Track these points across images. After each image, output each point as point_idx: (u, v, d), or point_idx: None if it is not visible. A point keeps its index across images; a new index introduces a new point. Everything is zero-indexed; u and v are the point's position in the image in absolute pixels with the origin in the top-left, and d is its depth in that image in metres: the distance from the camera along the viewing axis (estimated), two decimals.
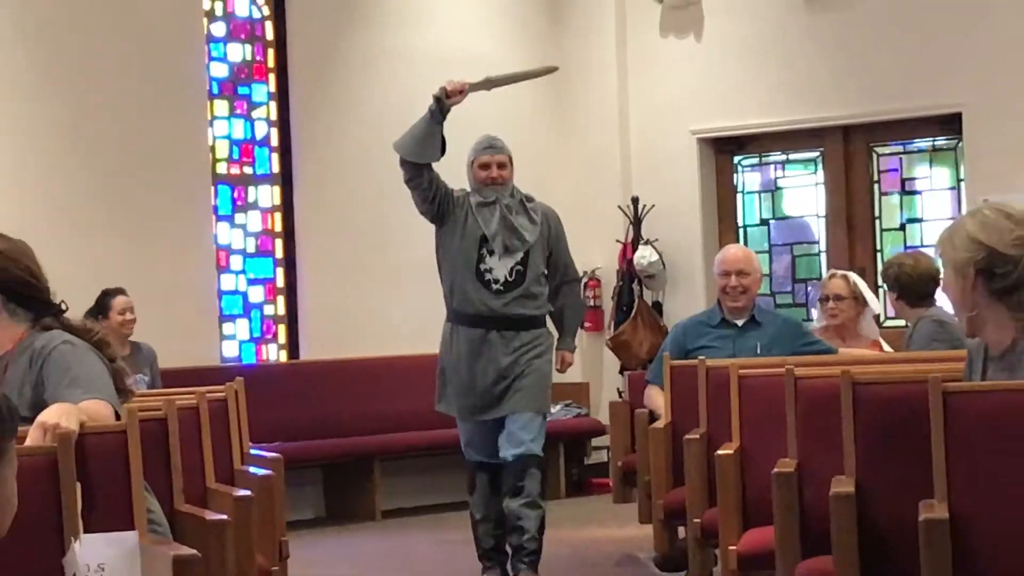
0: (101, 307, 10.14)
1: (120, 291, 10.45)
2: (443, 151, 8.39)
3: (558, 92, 14.00)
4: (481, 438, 8.54)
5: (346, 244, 12.39)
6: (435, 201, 8.31)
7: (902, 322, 9.07)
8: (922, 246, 12.90)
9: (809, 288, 13.19)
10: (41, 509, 3.55)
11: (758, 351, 8.46)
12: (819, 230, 13.72)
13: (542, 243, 8.53)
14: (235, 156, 12.86)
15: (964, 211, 12.84)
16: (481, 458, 8.55)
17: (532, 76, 9.51)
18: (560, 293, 8.76)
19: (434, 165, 8.33)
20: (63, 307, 4.87)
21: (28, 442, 4.06)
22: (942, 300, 7.88)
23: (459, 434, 8.70)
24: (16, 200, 10.16)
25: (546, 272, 8.63)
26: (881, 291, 11.73)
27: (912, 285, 8.38)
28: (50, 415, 4.19)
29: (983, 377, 4.90)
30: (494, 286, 8.32)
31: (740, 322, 8.76)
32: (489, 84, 8.76)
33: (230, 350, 12.80)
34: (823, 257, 13.59)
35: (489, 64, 13.41)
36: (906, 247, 12.92)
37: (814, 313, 10.77)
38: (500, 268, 8.32)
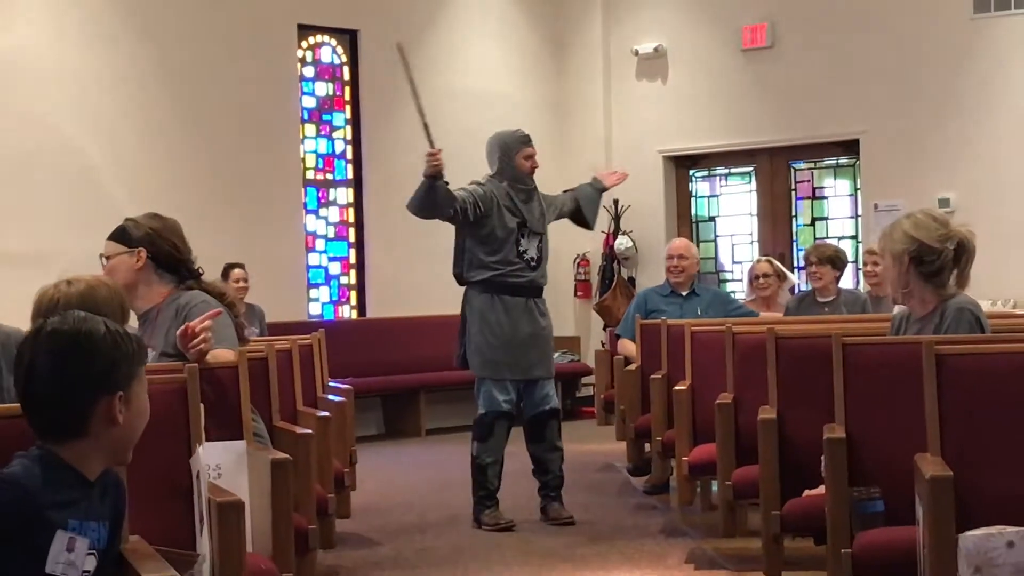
0: (225, 276, 10.15)
1: (239, 265, 10.47)
2: (451, 202, 7.47)
3: (559, 121, 14.07)
4: (507, 394, 7.64)
5: (400, 232, 12.36)
6: (466, 219, 7.56)
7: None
8: (827, 238, 12.93)
9: (743, 267, 13.19)
10: (174, 422, 3.54)
11: (699, 313, 8.63)
12: (751, 225, 13.70)
13: (547, 218, 7.96)
14: (320, 166, 12.85)
15: (860, 213, 12.86)
16: (508, 409, 7.64)
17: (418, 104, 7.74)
18: (569, 199, 8.08)
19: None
20: (200, 272, 4.87)
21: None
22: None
23: (490, 390, 7.63)
24: (166, 201, 10.18)
25: (559, 213, 8.01)
26: (796, 270, 11.73)
27: (841, 264, 8.98)
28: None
29: (901, 334, 4.96)
30: (531, 263, 7.71)
31: (685, 292, 8.96)
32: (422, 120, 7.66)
33: (315, 309, 12.80)
34: (754, 245, 13.58)
35: (506, 98, 13.51)
36: (815, 239, 12.93)
37: (742, 286, 10.77)
38: (531, 248, 7.72)
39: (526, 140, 7.81)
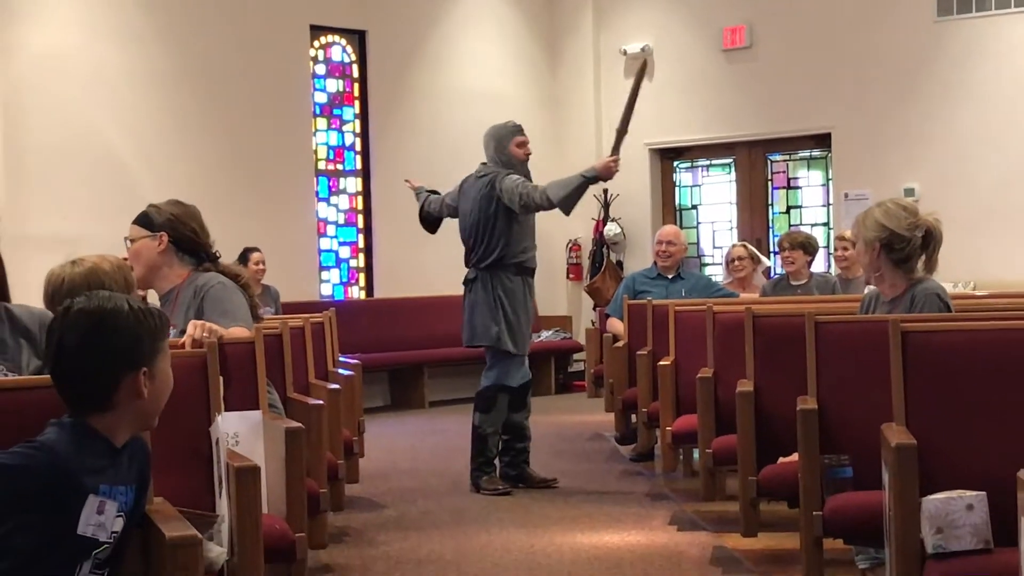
0: (243, 259, 10.13)
1: (256, 249, 10.45)
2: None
3: (552, 116, 14.04)
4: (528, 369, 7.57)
5: (405, 219, 12.31)
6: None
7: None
8: (801, 225, 12.92)
9: (723, 252, 13.19)
10: (196, 394, 3.54)
11: (683, 295, 8.60)
12: (731, 213, 13.69)
13: None
14: (331, 157, 12.83)
15: (831, 202, 12.86)
16: (517, 383, 7.51)
17: (635, 92, 7.73)
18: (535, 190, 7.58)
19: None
20: (218, 255, 4.86)
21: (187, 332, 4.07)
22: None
23: (517, 366, 7.50)
24: (188, 189, 10.16)
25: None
26: (772, 254, 11.72)
27: (812, 249, 8.99)
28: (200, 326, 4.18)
29: (871, 313, 4.97)
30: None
31: (670, 276, 8.94)
32: (620, 134, 7.62)
33: (326, 290, 12.78)
34: (734, 231, 13.57)
35: (504, 94, 13.49)
36: (790, 226, 12.93)
37: (722, 270, 10.77)
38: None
39: (518, 130, 7.70)
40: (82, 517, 2.68)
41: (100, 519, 2.70)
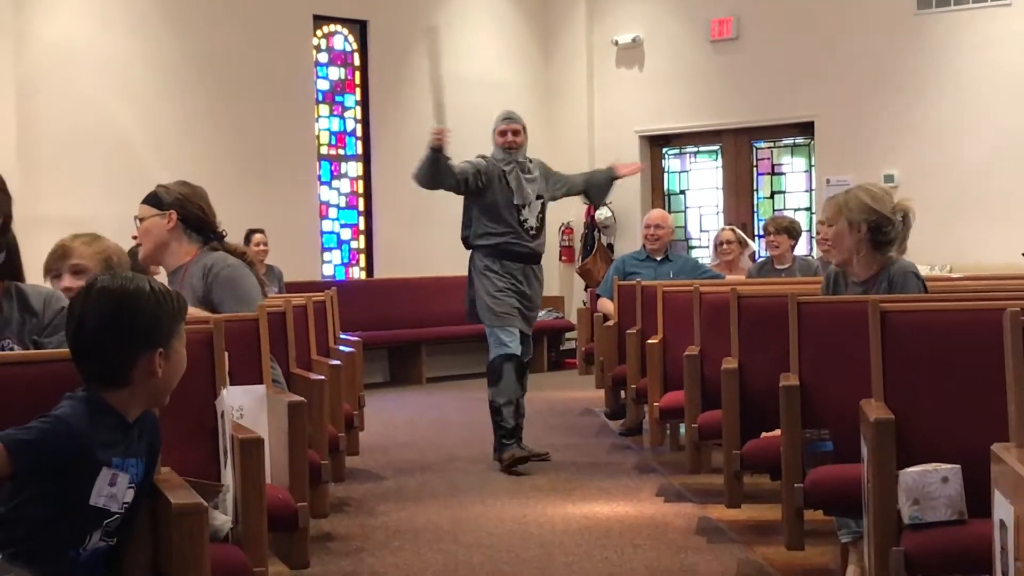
0: (247, 240, 10.12)
1: (259, 230, 10.44)
2: (452, 174, 7.35)
3: (547, 104, 14.03)
4: (514, 339, 7.40)
5: (405, 202, 12.34)
6: (468, 190, 7.47)
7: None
8: (784, 210, 12.92)
9: (710, 235, 13.19)
10: (202, 368, 3.52)
11: (671, 276, 8.58)
12: (717, 198, 13.69)
13: (548, 191, 7.69)
14: (333, 142, 12.83)
15: (814, 188, 12.85)
16: (514, 349, 7.40)
17: (436, 66, 7.60)
18: (581, 181, 7.95)
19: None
20: (224, 234, 4.85)
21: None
22: None
23: (498, 336, 7.41)
24: (195, 173, 10.12)
25: (567, 191, 7.87)
26: (757, 238, 11.71)
27: (796, 233, 8.91)
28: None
29: (840, 294, 4.92)
30: (531, 232, 7.50)
31: (659, 258, 8.91)
32: (437, 105, 7.38)
33: (328, 270, 12.77)
34: (720, 216, 13.57)
35: (500, 83, 13.47)
36: (774, 211, 12.92)
37: (709, 252, 10.76)
38: (531, 218, 7.53)
39: (502, 118, 7.65)
40: (95, 488, 2.68)
41: (112, 491, 2.70)
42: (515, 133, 7.58)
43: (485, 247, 7.53)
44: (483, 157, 7.59)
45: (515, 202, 7.50)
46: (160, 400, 2.83)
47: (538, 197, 7.60)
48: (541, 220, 7.59)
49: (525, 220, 7.53)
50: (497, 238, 7.49)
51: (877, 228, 4.75)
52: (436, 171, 7.37)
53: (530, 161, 7.65)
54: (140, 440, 2.79)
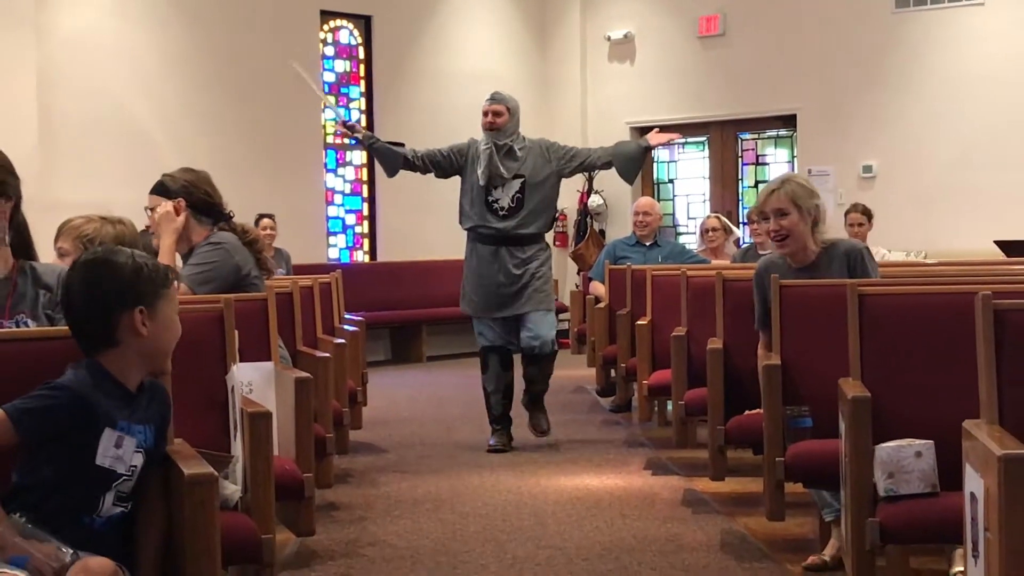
0: (256, 224, 10.10)
1: (268, 215, 10.40)
2: (398, 156, 7.12)
3: (541, 96, 13.99)
4: (492, 330, 7.17)
5: (407, 189, 12.29)
6: (440, 171, 7.19)
7: None
8: None
9: (696, 223, 13.19)
10: (213, 345, 3.52)
11: (659, 261, 8.57)
12: (704, 187, 13.68)
13: (545, 169, 7.18)
14: (338, 132, 12.80)
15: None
16: (492, 343, 7.18)
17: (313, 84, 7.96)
18: (604, 154, 7.35)
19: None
20: (232, 214, 4.84)
21: None
22: None
23: (477, 327, 7.25)
24: (207, 161, 10.10)
25: (583, 165, 7.34)
26: (741, 225, 11.71)
27: None
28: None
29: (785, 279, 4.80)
30: (500, 212, 7.07)
31: (648, 243, 8.91)
32: (339, 122, 7.73)
33: (333, 254, 12.76)
34: (706, 204, 13.56)
35: (496, 76, 13.40)
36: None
37: (695, 239, 10.75)
38: (504, 198, 7.07)
39: (486, 99, 7.25)
40: (100, 449, 2.68)
41: (118, 452, 2.70)
42: (496, 114, 7.13)
43: (467, 231, 7.29)
44: (473, 140, 7.29)
45: (480, 183, 7.09)
46: (156, 363, 2.82)
47: (516, 176, 7.12)
48: (518, 200, 7.09)
49: (496, 200, 7.10)
50: (471, 220, 7.20)
51: (818, 212, 4.75)
52: (380, 158, 7.27)
53: (524, 140, 7.22)
54: (148, 408, 2.79)
